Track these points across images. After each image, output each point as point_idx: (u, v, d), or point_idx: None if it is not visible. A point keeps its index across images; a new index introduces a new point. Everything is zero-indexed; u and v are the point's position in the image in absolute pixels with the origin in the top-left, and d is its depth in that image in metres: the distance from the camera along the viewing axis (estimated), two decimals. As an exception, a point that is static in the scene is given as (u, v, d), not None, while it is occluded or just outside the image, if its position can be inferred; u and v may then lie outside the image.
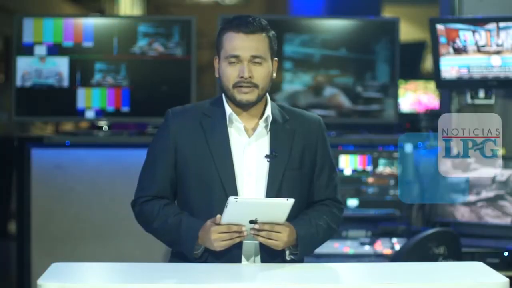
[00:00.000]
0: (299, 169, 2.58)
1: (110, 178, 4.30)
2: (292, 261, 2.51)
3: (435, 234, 3.45)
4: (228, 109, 2.58)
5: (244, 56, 2.51)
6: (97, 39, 4.21)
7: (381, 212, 4.11)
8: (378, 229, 4.00)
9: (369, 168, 4.11)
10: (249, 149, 2.57)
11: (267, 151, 2.56)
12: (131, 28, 4.23)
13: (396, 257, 3.47)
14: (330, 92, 4.24)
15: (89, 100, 4.20)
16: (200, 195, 2.56)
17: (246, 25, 2.52)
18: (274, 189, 2.53)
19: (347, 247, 3.88)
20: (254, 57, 2.52)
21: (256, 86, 2.53)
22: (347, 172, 4.11)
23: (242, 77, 2.51)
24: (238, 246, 2.49)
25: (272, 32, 2.57)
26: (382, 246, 3.89)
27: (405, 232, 4.01)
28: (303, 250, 2.51)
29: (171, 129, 2.60)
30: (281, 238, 2.43)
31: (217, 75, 2.60)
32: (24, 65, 4.17)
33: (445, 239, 3.46)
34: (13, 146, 4.34)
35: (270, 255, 2.51)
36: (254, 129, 2.58)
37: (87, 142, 4.26)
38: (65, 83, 4.19)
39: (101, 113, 4.22)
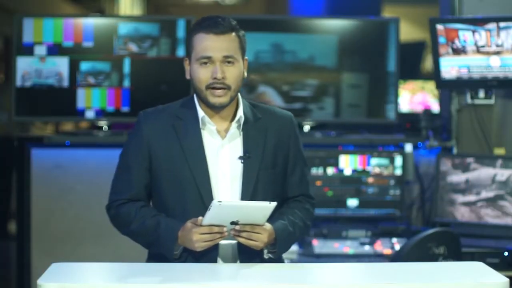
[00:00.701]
0: (272, 168, 2.60)
1: (110, 178, 4.28)
2: (270, 260, 2.54)
3: (435, 234, 3.45)
4: (201, 112, 2.58)
5: (216, 57, 2.51)
6: (97, 39, 4.21)
7: (381, 212, 4.11)
8: (378, 229, 4.00)
9: (369, 168, 4.11)
10: (223, 151, 2.57)
11: (240, 152, 2.58)
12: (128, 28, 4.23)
13: (396, 257, 3.47)
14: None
15: (89, 100, 4.20)
16: (175, 198, 2.56)
17: (216, 26, 2.52)
18: (249, 190, 2.54)
19: (347, 247, 3.88)
20: (226, 57, 2.52)
21: (228, 87, 2.53)
22: (347, 172, 4.11)
23: (215, 78, 2.51)
24: (215, 248, 2.50)
25: (241, 32, 2.58)
26: (382, 246, 3.88)
27: (405, 232, 4.01)
28: (281, 249, 2.54)
29: (144, 132, 2.60)
30: (261, 239, 2.45)
31: (188, 77, 2.60)
32: (24, 65, 4.17)
33: (445, 239, 3.46)
34: (13, 146, 4.34)
35: (248, 256, 2.52)
36: (226, 131, 2.59)
37: (87, 142, 4.25)
38: (65, 83, 4.19)
39: (101, 113, 4.22)
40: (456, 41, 4.02)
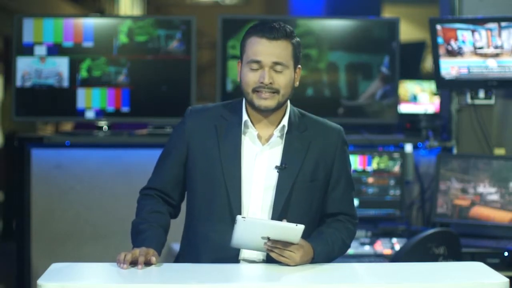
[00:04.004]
0: (310, 181, 2.56)
1: (110, 178, 4.30)
2: None
3: (435, 234, 3.45)
4: (245, 115, 2.56)
5: (266, 62, 2.49)
6: (97, 39, 4.21)
7: (381, 212, 4.11)
8: (378, 229, 4.00)
9: (369, 168, 4.11)
10: (261, 157, 2.55)
11: (279, 161, 2.54)
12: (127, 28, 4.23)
13: (396, 257, 3.47)
14: None
15: (89, 100, 4.20)
16: (204, 197, 2.56)
17: (270, 31, 2.49)
18: (281, 201, 2.52)
19: (347, 247, 3.87)
20: (276, 64, 2.49)
21: (277, 91, 2.50)
22: (347, 172, 4.10)
23: (262, 82, 2.48)
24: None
25: (296, 39, 2.54)
26: (382, 246, 3.89)
27: (405, 232, 4.01)
28: None
29: (186, 128, 2.60)
30: (293, 257, 2.42)
31: (238, 79, 2.57)
32: (24, 65, 4.17)
33: (445, 239, 3.46)
34: (14, 146, 4.34)
35: None
36: (268, 138, 2.57)
37: (87, 142, 4.26)
38: (65, 83, 4.19)
39: (101, 113, 4.22)
40: (452, 43, 4.01)
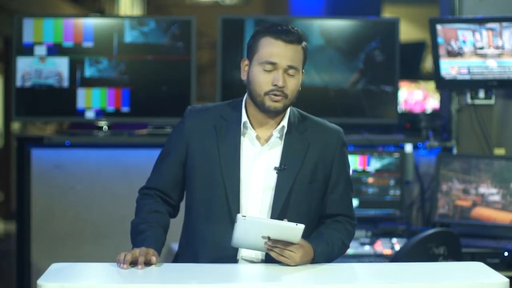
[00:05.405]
0: (309, 182, 2.56)
1: (110, 178, 4.30)
2: None
3: (435, 234, 3.45)
4: (244, 116, 2.56)
5: (281, 64, 2.49)
6: (97, 39, 4.20)
7: (381, 212, 4.11)
8: (378, 229, 4.00)
9: (369, 168, 4.11)
10: (260, 158, 2.55)
11: (278, 162, 2.54)
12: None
13: (396, 257, 3.47)
14: None
15: (89, 100, 4.20)
16: (202, 198, 2.56)
17: (286, 34, 2.49)
18: (280, 202, 2.52)
19: (347, 247, 3.87)
20: (290, 67, 2.50)
21: (286, 96, 2.51)
22: (347, 172, 4.10)
23: (275, 85, 2.48)
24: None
25: (305, 43, 2.55)
26: (382, 246, 3.89)
27: (405, 232, 4.01)
28: None
29: (185, 128, 2.60)
30: (293, 257, 2.42)
31: (243, 78, 2.56)
32: (24, 65, 4.17)
33: (445, 239, 3.46)
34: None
35: None
36: (267, 139, 2.57)
37: (87, 142, 4.26)
38: (65, 83, 4.19)
39: (101, 113, 4.22)
40: (452, 43, 4.01)
